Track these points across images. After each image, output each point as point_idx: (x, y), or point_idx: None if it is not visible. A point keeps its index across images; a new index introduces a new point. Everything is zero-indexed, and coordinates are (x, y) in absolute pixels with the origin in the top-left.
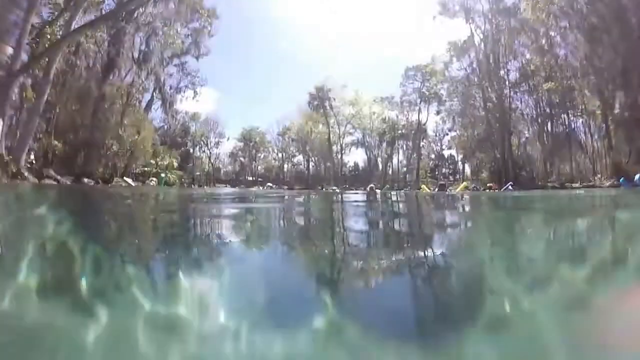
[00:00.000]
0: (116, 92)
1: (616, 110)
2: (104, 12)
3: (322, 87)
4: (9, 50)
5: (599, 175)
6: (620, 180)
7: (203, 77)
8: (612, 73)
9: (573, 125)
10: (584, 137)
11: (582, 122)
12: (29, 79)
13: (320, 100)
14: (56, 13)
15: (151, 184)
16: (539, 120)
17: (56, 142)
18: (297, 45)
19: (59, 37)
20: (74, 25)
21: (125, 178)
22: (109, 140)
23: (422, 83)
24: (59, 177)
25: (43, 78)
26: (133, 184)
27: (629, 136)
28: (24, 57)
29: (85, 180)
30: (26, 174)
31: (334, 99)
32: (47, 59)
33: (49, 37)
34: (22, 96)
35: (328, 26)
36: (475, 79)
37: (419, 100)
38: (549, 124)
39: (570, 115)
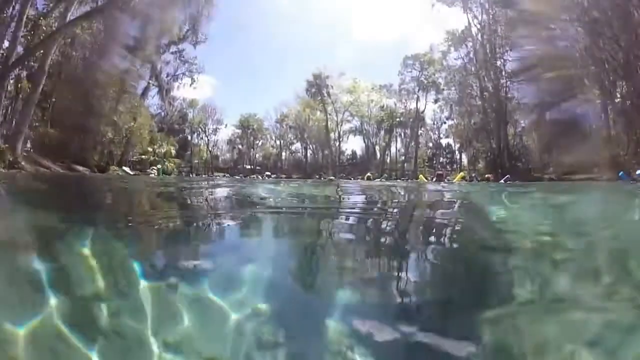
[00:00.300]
0: (111, 80)
1: (617, 100)
2: (99, 3)
3: (320, 75)
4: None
5: (596, 168)
6: (620, 174)
7: (200, 64)
8: (613, 64)
9: (570, 116)
10: (582, 128)
11: (580, 112)
12: (24, 70)
13: (318, 88)
14: (51, 5)
15: (151, 174)
16: (536, 110)
17: (52, 130)
18: (295, 32)
19: (54, 29)
20: (69, 16)
21: (123, 167)
22: (103, 127)
23: (420, 72)
24: (51, 166)
25: (38, 69)
26: (131, 172)
27: (630, 126)
28: (19, 49)
29: (81, 168)
30: (23, 163)
31: (332, 87)
32: (42, 51)
33: (44, 29)
34: (17, 87)
35: (326, 14)
36: (472, 69)
37: (417, 89)
38: (546, 114)
39: (568, 105)
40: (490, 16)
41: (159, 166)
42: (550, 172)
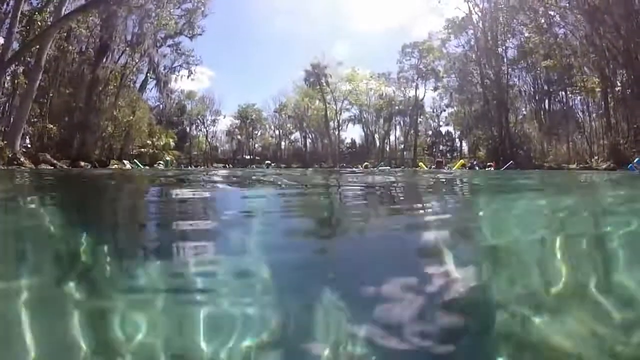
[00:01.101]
0: (110, 75)
1: (617, 88)
2: None
3: (318, 64)
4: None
5: (596, 157)
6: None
7: (197, 56)
8: (613, 52)
9: (571, 103)
10: (582, 116)
11: (581, 100)
12: (20, 66)
13: (316, 77)
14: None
15: (159, 167)
16: (537, 98)
17: (51, 126)
18: (292, 22)
19: (49, 23)
20: (64, 10)
21: (128, 161)
22: (103, 121)
23: (419, 60)
24: (55, 162)
25: (35, 64)
26: (141, 166)
27: (630, 114)
28: (15, 45)
29: (82, 163)
30: (22, 159)
31: (330, 76)
32: (38, 46)
33: (39, 24)
34: (14, 83)
35: (324, 3)
36: (473, 56)
37: (416, 77)
38: (547, 102)
39: (568, 93)
40: (492, 3)
41: (168, 158)
42: (550, 160)
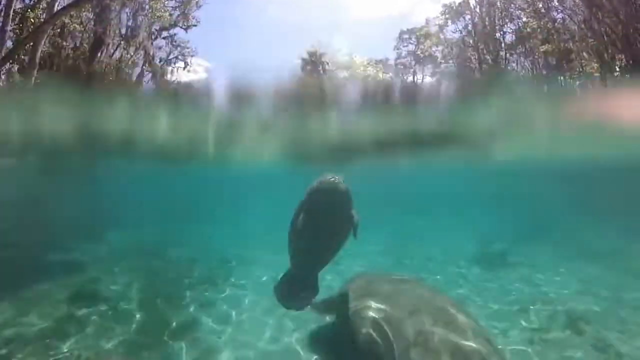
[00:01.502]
0: (105, 69)
1: (616, 73)
2: None
3: (315, 52)
4: None
5: None
6: None
7: (193, 47)
8: (612, 37)
9: (569, 88)
10: None
11: (579, 85)
12: (15, 64)
13: (313, 65)
14: None
15: None
16: (535, 83)
17: None
18: (288, 9)
19: (42, 20)
20: (57, 7)
21: None
22: None
23: (417, 45)
24: None
25: (29, 62)
26: None
27: None
28: (9, 44)
29: None
30: None
31: (328, 63)
32: (32, 43)
33: (32, 21)
34: (9, 81)
35: None
36: (471, 42)
37: (413, 63)
38: (545, 88)
39: (567, 78)
40: None
41: None
42: None
